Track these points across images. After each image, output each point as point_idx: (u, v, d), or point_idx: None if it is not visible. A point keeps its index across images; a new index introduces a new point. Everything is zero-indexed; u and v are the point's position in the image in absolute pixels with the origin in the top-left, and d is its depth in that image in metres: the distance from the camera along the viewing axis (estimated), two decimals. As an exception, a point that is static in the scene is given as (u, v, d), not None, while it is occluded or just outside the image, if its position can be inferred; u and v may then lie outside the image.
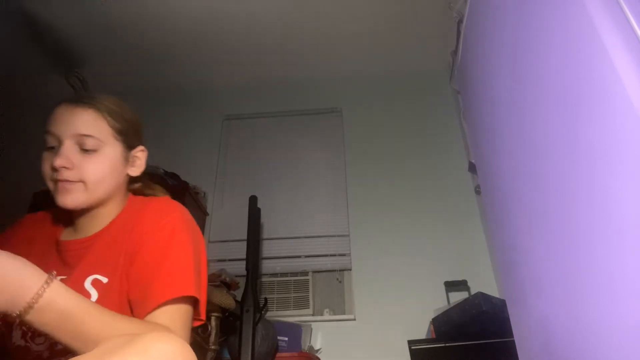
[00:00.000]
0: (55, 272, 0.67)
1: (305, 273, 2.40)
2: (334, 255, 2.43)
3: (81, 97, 0.94)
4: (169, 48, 2.69)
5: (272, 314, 2.19)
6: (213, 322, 1.43)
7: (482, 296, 1.77)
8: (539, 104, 1.04)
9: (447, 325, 1.84)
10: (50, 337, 0.66)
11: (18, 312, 0.63)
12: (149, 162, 1.04)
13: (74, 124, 0.89)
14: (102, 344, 0.57)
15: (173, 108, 2.93)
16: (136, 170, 1.00)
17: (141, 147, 1.01)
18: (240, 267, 1.97)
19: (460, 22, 2.12)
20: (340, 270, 2.41)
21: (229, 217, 2.55)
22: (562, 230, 0.96)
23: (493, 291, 2.05)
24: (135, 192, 1.04)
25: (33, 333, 0.84)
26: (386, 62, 2.87)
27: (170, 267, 0.85)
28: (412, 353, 1.78)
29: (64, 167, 0.87)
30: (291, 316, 2.21)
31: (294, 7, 2.46)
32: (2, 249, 0.65)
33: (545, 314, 1.09)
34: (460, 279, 2.21)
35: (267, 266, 2.41)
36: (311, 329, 2.15)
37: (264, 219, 2.36)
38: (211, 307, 1.42)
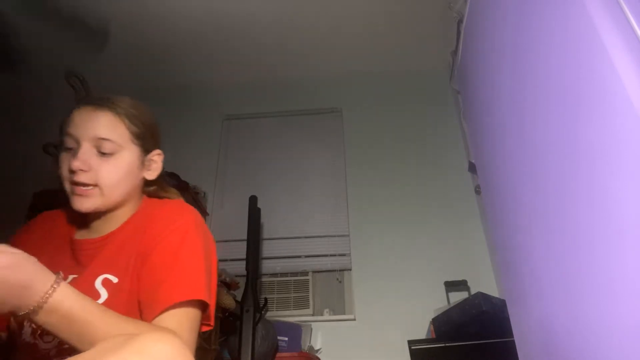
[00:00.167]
0: (62, 274, 0.68)
1: (305, 273, 2.40)
2: (334, 255, 2.43)
3: (101, 100, 0.94)
4: (169, 48, 2.68)
5: (272, 314, 2.19)
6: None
7: (482, 296, 1.77)
8: (539, 104, 1.04)
9: (447, 325, 1.84)
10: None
11: (26, 312, 0.64)
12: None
13: (93, 127, 0.90)
14: (100, 344, 0.58)
15: (173, 108, 2.92)
16: (152, 173, 1.01)
17: (158, 151, 1.02)
18: (240, 267, 1.97)
19: (460, 22, 2.12)
20: (340, 270, 2.41)
21: (229, 217, 2.54)
22: (562, 230, 0.96)
23: (493, 291, 2.04)
24: (150, 195, 1.04)
25: (42, 331, 0.85)
26: (386, 62, 2.86)
27: (181, 270, 0.85)
28: (412, 353, 1.78)
29: (81, 170, 0.87)
30: (291, 316, 2.21)
31: (294, 7, 2.46)
32: (17, 247, 0.66)
33: (545, 314, 1.08)
34: (460, 279, 2.21)
35: (267, 266, 2.41)
36: (311, 329, 2.15)
37: (264, 219, 2.36)
38: (211, 307, 1.41)
